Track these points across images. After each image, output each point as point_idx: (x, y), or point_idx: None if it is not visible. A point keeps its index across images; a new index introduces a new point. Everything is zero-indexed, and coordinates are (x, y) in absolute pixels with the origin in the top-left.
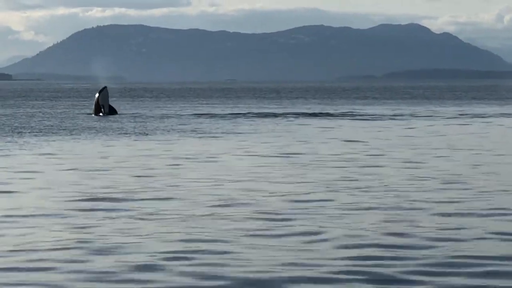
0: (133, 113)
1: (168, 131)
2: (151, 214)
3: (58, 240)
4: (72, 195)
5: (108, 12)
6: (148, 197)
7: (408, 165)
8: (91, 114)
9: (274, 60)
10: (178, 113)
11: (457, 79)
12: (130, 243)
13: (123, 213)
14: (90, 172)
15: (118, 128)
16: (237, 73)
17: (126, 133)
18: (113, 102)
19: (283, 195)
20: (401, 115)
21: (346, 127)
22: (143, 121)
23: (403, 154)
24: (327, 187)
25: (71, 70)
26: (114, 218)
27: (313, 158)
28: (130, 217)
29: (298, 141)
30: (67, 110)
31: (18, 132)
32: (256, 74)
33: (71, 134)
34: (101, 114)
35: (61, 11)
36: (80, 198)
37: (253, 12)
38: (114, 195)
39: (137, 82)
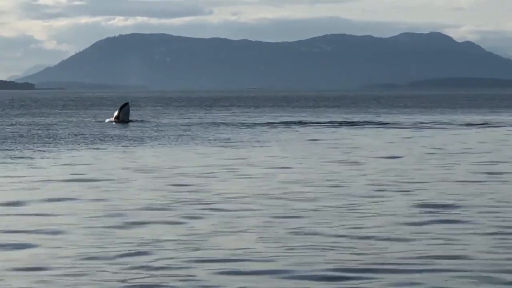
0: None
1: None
2: None
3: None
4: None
5: (131, 21)
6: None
7: None
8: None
9: (295, 69)
10: (256, 121)
11: (479, 88)
12: None
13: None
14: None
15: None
16: (259, 82)
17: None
18: (159, 112)
19: None
20: (476, 124)
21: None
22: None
23: None
24: None
25: (94, 79)
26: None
27: None
28: None
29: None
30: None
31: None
32: (278, 83)
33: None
34: None
35: (84, 20)
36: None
37: (275, 21)
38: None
39: (162, 91)
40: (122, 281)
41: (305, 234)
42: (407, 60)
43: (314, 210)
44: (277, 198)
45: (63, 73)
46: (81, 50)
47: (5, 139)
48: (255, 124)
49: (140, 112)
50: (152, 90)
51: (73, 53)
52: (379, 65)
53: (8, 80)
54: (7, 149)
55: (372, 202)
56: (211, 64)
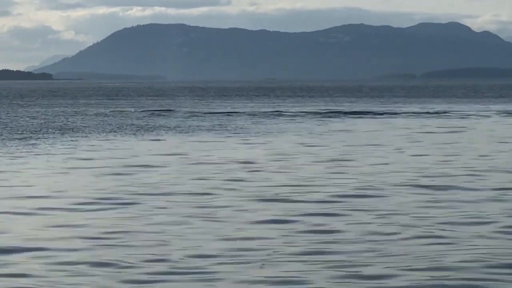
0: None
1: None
2: None
3: None
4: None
5: (148, 11)
6: None
7: None
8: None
9: (313, 59)
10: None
11: (497, 78)
12: None
13: None
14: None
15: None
16: (277, 72)
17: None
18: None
19: None
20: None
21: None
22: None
23: None
24: None
25: (111, 69)
26: None
27: None
28: None
29: None
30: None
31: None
32: (295, 73)
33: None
34: None
35: (101, 10)
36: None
37: (293, 11)
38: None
39: (179, 81)
40: None
41: None
42: (425, 50)
43: None
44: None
45: (81, 63)
46: (98, 41)
47: (88, 127)
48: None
49: (169, 101)
50: (168, 81)
51: (91, 44)
52: (396, 55)
53: (26, 71)
54: (109, 138)
55: None
56: (228, 54)
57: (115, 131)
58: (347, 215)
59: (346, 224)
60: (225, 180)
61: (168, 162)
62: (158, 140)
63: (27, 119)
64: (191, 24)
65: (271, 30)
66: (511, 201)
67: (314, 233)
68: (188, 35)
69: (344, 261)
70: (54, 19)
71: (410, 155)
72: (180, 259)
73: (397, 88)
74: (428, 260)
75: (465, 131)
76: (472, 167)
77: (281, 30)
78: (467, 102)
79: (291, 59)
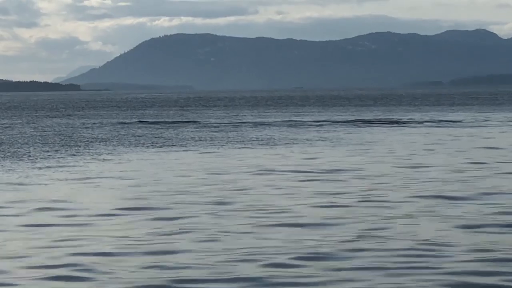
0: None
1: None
2: None
3: None
4: None
5: (175, 21)
6: None
7: None
8: None
9: (340, 68)
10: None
11: None
12: None
13: None
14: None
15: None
16: (303, 81)
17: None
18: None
19: None
20: None
21: None
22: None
23: None
24: None
25: (138, 80)
26: None
27: None
28: None
29: None
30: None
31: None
32: (322, 82)
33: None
34: None
35: (129, 20)
36: None
37: (320, 20)
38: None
39: (207, 91)
40: None
41: None
42: (452, 57)
43: None
44: None
45: (108, 74)
46: (126, 51)
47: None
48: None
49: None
50: (197, 90)
51: (118, 54)
52: (423, 63)
53: (53, 82)
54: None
55: None
56: (255, 63)
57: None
58: None
59: None
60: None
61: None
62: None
63: (97, 130)
64: (218, 34)
65: (298, 39)
66: None
67: None
68: (215, 45)
69: None
70: (81, 30)
71: None
72: None
73: (443, 96)
74: None
75: None
76: None
77: (308, 39)
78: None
79: (318, 68)
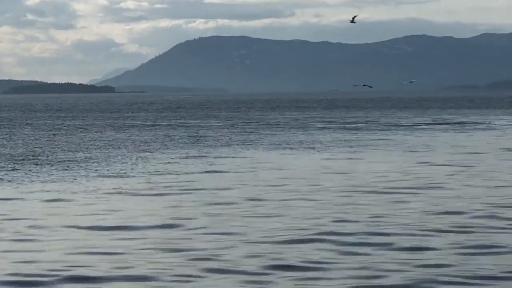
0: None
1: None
2: None
3: None
4: None
5: (211, 24)
6: None
7: None
8: None
9: (376, 70)
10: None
11: None
12: None
13: None
14: None
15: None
16: (339, 83)
17: None
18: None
19: None
20: None
21: None
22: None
23: None
24: None
25: (173, 82)
26: None
27: None
28: None
29: None
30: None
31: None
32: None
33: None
34: None
35: (164, 23)
36: None
37: (357, 22)
38: None
39: (241, 94)
40: None
41: None
42: (488, 61)
43: None
44: None
45: (143, 76)
46: (161, 53)
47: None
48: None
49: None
50: (231, 93)
51: (153, 57)
52: (459, 66)
53: (88, 84)
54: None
55: None
56: (291, 66)
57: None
58: None
59: None
60: None
61: None
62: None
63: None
64: (253, 36)
65: (333, 42)
66: None
67: None
68: (251, 47)
69: None
70: (117, 32)
71: None
72: None
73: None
74: None
75: None
76: None
77: (343, 42)
78: None
79: (353, 70)
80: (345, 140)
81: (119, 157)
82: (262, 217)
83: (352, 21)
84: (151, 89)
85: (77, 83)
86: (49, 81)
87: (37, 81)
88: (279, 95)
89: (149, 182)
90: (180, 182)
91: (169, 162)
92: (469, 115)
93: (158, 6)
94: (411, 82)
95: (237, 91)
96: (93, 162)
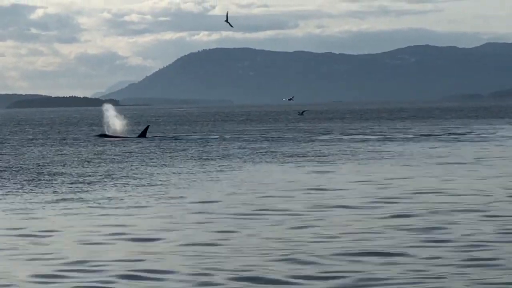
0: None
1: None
2: None
3: None
4: None
5: (215, 36)
6: None
7: None
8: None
9: (379, 81)
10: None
11: None
12: None
13: None
14: None
15: None
16: (342, 94)
17: None
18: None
19: None
20: None
21: None
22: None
23: None
24: None
25: (177, 95)
26: None
27: None
28: None
29: None
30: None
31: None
32: (361, 95)
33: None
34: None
35: (168, 35)
36: None
37: (359, 33)
38: None
39: (247, 105)
40: None
41: None
42: (491, 70)
43: None
44: None
45: (147, 89)
46: (165, 66)
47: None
48: None
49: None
50: (235, 105)
51: (157, 69)
52: (463, 76)
53: (92, 97)
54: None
55: None
56: (295, 77)
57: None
58: None
59: None
60: None
61: None
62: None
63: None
64: (257, 48)
65: (337, 53)
66: None
67: None
68: (254, 59)
69: None
70: (121, 45)
71: None
72: None
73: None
74: None
75: None
76: None
77: (347, 53)
78: None
79: (356, 81)
80: None
81: None
82: None
83: (301, 114)
84: (155, 102)
85: (81, 97)
86: (53, 95)
87: (41, 95)
88: (310, 105)
89: None
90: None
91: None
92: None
93: (161, 19)
94: (289, 99)
95: (242, 102)
96: None
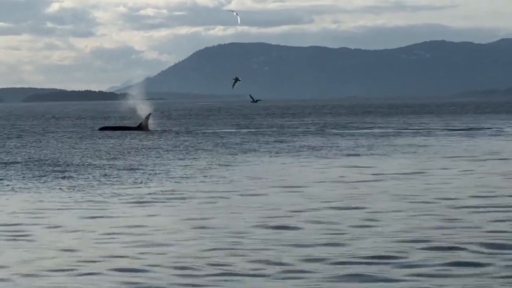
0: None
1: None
2: None
3: None
4: None
5: (230, 30)
6: None
7: None
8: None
9: (395, 77)
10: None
11: None
12: None
13: None
14: None
15: None
16: (357, 89)
17: None
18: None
19: None
20: None
21: None
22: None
23: None
24: None
25: (192, 89)
26: None
27: None
28: None
29: None
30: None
31: None
32: (376, 91)
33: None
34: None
35: (184, 30)
36: None
37: (375, 29)
38: None
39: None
40: None
41: None
42: (507, 65)
43: None
44: None
45: (162, 83)
46: (180, 60)
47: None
48: None
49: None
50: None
51: (172, 64)
52: (478, 71)
53: (108, 91)
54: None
55: None
56: (309, 72)
57: None
58: None
59: None
60: None
61: None
62: None
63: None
64: (273, 43)
65: (352, 48)
66: None
67: None
68: (269, 54)
69: None
70: (136, 39)
71: None
72: None
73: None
74: None
75: None
76: None
77: (362, 48)
78: None
79: (371, 76)
80: None
81: None
82: None
83: (255, 101)
84: (170, 96)
85: (97, 91)
86: (68, 89)
87: (56, 89)
88: (318, 101)
89: None
90: None
91: None
92: None
93: (177, 13)
94: (256, 101)
95: (257, 97)
96: None
